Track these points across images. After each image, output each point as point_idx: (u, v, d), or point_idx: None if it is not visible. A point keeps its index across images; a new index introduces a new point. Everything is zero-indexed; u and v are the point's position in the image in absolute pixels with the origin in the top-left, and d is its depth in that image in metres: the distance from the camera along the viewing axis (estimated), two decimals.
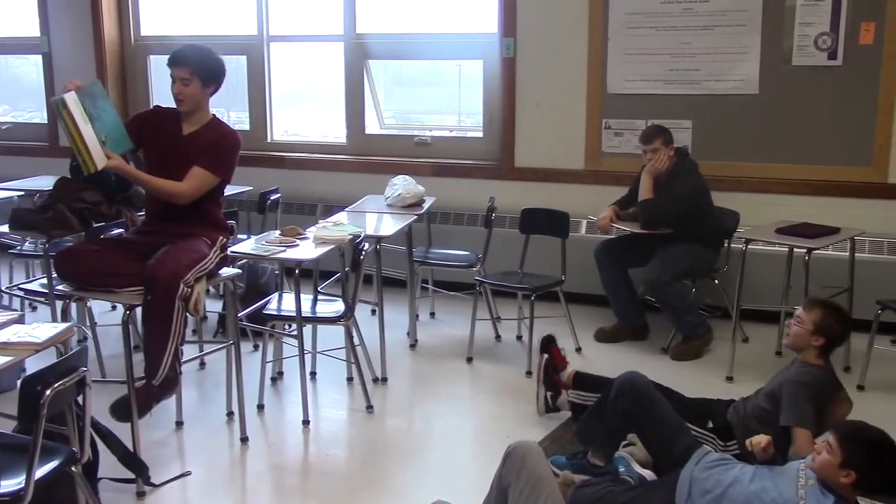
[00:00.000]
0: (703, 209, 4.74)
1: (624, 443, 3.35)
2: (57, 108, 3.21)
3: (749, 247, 4.37)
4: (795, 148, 5.14)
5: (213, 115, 3.69)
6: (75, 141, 3.22)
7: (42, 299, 4.43)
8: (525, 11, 5.55)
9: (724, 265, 4.91)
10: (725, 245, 4.89)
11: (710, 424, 3.36)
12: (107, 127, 3.37)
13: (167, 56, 3.60)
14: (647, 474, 3.18)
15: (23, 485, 2.31)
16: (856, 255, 4.51)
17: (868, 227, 4.69)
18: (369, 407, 4.02)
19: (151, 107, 3.95)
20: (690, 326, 4.68)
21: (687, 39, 5.24)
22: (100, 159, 3.29)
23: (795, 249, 4.40)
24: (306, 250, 3.86)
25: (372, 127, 6.30)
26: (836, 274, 4.57)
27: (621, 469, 3.20)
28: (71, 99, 3.21)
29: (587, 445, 3.35)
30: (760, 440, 2.87)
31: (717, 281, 4.93)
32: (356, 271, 3.94)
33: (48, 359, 2.56)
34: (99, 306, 4.91)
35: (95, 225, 4.09)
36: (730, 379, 4.32)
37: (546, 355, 3.89)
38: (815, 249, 4.14)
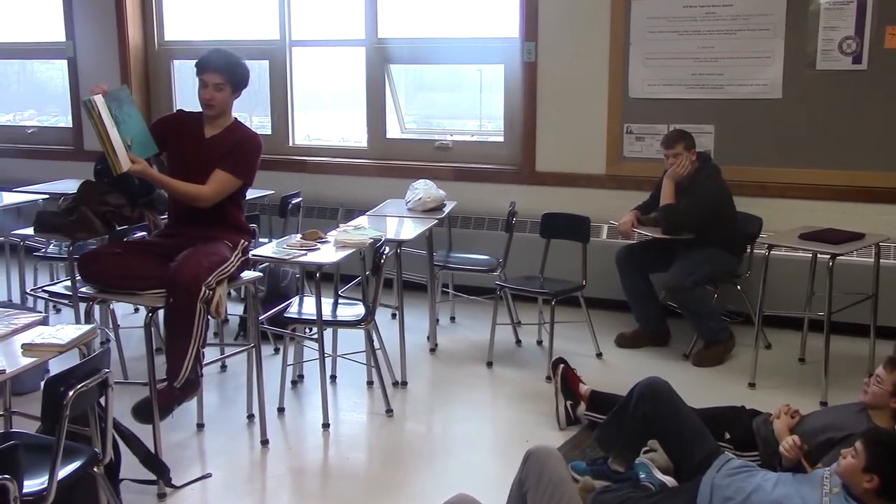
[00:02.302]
0: (725, 214, 4.70)
1: (644, 449, 3.33)
2: (86, 109, 3.26)
3: (772, 252, 4.33)
4: (819, 153, 5.09)
5: (235, 118, 3.71)
6: (103, 142, 3.27)
7: (66, 301, 4.47)
8: (546, 16, 5.54)
9: (746, 271, 4.87)
10: (748, 250, 4.85)
11: (728, 436, 3.32)
12: (132, 131, 3.41)
13: (190, 61, 3.64)
14: (668, 481, 3.16)
15: (46, 485, 2.33)
16: (881, 261, 4.46)
17: (894, 232, 4.64)
18: (389, 411, 4.02)
19: (175, 111, 3.98)
20: (712, 332, 4.65)
21: (709, 43, 5.21)
22: (125, 162, 3.33)
23: (819, 255, 4.35)
24: (327, 254, 3.87)
25: (393, 131, 6.31)
26: (860, 280, 4.52)
27: (642, 475, 3.18)
28: (98, 101, 3.25)
29: (607, 451, 3.33)
30: (794, 441, 2.84)
31: (739, 287, 4.89)
32: (377, 275, 3.94)
33: (71, 360, 2.57)
34: (122, 308, 4.95)
35: (119, 228, 4.12)
36: (752, 385, 4.29)
37: (563, 365, 3.90)
38: (839, 255, 4.09)
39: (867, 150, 4.99)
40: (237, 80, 3.60)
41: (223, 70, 3.55)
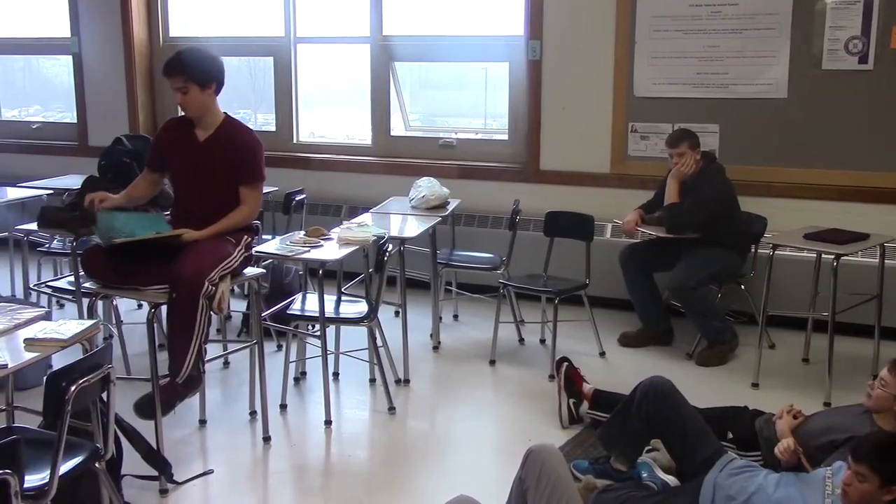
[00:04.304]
0: (729, 214, 4.69)
1: (647, 448, 3.32)
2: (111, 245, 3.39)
3: (776, 252, 4.32)
4: (825, 153, 5.07)
5: (225, 114, 3.68)
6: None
7: (69, 297, 4.48)
8: (551, 14, 5.53)
9: (750, 270, 4.85)
10: (752, 250, 4.84)
11: (730, 436, 3.32)
12: (145, 226, 3.50)
13: None
14: (671, 480, 3.15)
15: (47, 480, 2.33)
16: (886, 261, 4.44)
17: None
18: (391, 408, 4.02)
19: (166, 120, 3.96)
20: (716, 332, 4.64)
21: (715, 43, 5.20)
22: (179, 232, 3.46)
23: (824, 255, 4.34)
24: (330, 251, 3.87)
25: (397, 129, 6.31)
26: (865, 281, 4.51)
27: (644, 474, 3.18)
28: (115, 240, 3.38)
29: (610, 450, 3.32)
30: (788, 444, 2.83)
31: (743, 286, 4.88)
32: (380, 272, 3.94)
33: (74, 355, 2.58)
34: (125, 304, 4.95)
35: None
36: (755, 385, 4.28)
37: (566, 363, 3.89)
38: (843, 255, 4.08)
39: (873, 150, 4.97)
40: (201, 78, 3.53)
41: (182, 71, 3.52)
